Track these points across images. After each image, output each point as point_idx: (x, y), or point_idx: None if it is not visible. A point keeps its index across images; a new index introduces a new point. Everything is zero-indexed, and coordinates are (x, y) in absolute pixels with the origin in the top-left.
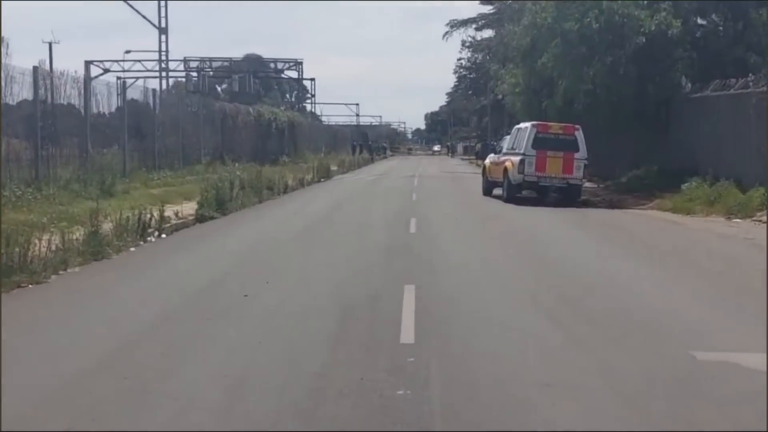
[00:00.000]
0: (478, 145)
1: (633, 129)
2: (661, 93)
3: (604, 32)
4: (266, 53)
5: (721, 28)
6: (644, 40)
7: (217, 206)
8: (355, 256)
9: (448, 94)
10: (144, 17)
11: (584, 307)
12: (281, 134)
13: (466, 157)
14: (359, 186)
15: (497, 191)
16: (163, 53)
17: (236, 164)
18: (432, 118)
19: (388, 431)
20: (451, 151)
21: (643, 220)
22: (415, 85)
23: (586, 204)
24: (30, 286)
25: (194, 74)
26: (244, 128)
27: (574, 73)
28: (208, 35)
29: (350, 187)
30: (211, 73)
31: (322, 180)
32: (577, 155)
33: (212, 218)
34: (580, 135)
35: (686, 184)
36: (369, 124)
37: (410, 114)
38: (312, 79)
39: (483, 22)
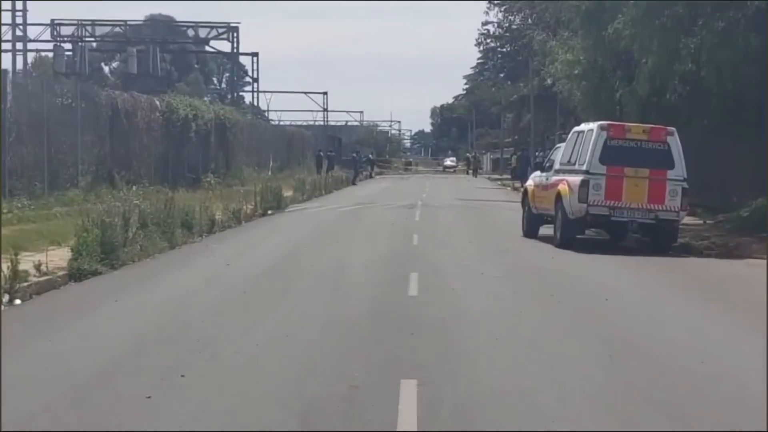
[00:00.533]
0: (514, 158)
1: (758, 134)
2: None
3: None
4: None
5: None
6: None
7: (102, 255)
8: (313, 365)
9: (467, 77)
10: None
11: None
12: (205, 140)
13: (498, 177)
14: (329, 221)
15: (546, 230)
16: (18, 14)
17: (133, 188)
18: (442, 115)
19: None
20: (473, 167)
21: None
22: (414, 63)
23: (686, 250)
24: None
25: (68, 47)
26: (146, 131)
27: (666, 45)
28: None
29: (314, 224)
30: (95, 44)
31: (271, 212)
32: (671, 174)
33: (95, 273)
34: (675, 142)
35: None
36: (344, 123)
37: (407, 109)
38: (254, 54)
39: None
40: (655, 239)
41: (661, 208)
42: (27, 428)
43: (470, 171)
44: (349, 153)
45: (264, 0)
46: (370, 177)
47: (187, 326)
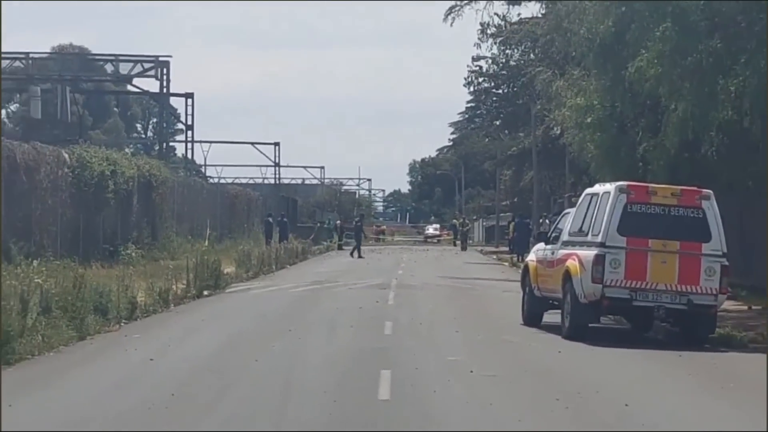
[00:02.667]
0: (512, 226)
1: None
2: None
3: (756, 11)
4: (98, 44)
5: None
6: None
7: None
8: None
9: (454, 125)
10: None
11: None
12: (126, 203)
13: (493, 249)
14: (280, 305)
15: (552, 317)
16: None
17: (34, 262)
18: (423, 172)
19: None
20: (461, 237)
21: None
22: (388, 107)
23: (726, 343)
24: None
25: None
26: (51, 191)
27: (700, 88)
28: None
29: (261, 309)
30: None
31: (207, 293)
32: (707, 248)
33: None
34: (712, 208)
35: None
36: (300, 181)
37: (380, 163)
38: (188, 95)
39: None
40: (688, 329)
41: (695, 291)
42: None
43: (458, 242)
44: (352, 219)
45: (201, 28)
46: (339, 248)
47: None
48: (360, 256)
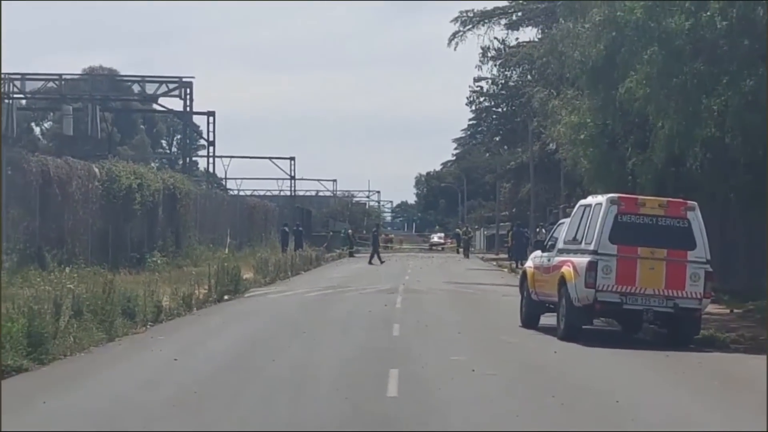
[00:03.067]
0: (511, 234)
1: None
2: None
3: (737, 36)
4: (126, 66)
5: None
6: None
7: (29, 348)
8: None
9: (457, 141)
10: None
11: None
12: (152, 213)
13: (493, 256)
14: (295, 308)
15: (549, 319)
16: None
17: (67, 269)
18: (429, 185)
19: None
20: (464, 245)
21: None
22: (396, 124)
23: (710, 344)
24: None
25: None
26: (82, 203)
27: (685, 107)
28: (19, 31)
29: (278, 312)
30: (24, 102)
31: (228, 297)
32: (692, 255)
33: (20, 370)
34: (697, 218)
35: None
36: (314, 193)
37: (388, 177)
38: (210, 114)
39: (519, 14)
40: (675, 331)
41: (680, 295)
42: None
43: (461, 249)
44: (362, 228)
45: (221, 50)
46: (350, 255)
47: None
48: (381, 261)
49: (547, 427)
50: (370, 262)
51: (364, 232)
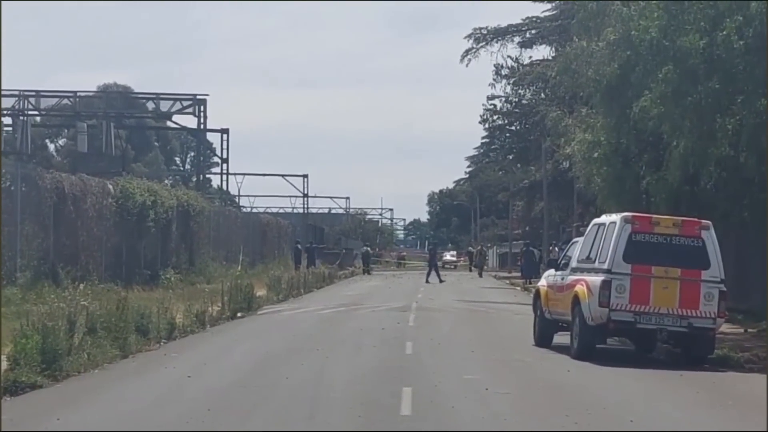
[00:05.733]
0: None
1: None
2: None
3: (754, 54)
4: (140, 83)
5: None
6: None
7: (43, 365)
8: None
9: (470, 159)
10: None
11: None
12: (165, 230)
13: (506, 275)
14: (308, 326)
15: (562, 338)
16: None
17: (81, 286)
18: (441, 203)
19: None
20: (478, 263)
21: None
22: (409, 142)
23: (724, 363)
24: None
25: (7, 121)
26: (97, 219)
27: (700, 126)
28: (34, 49)
29: (290, 329)
30: (39, 119)
31: (241, 315)
32: (706, 275)
33: (35, 386)
34: (711, 238)
35: None
36: (327, 211)
37: (401, 194)
38: (223, 131)
39: (533, 32)
40: (689, 350)
41: (694, 314)
42: None
43: (474, 267)
44: (364, 248)
45: (235, 68)
46: (368, 273)
47: None
48: (441, 280)
49: None
50: (426, 281)
51: (429, 250)
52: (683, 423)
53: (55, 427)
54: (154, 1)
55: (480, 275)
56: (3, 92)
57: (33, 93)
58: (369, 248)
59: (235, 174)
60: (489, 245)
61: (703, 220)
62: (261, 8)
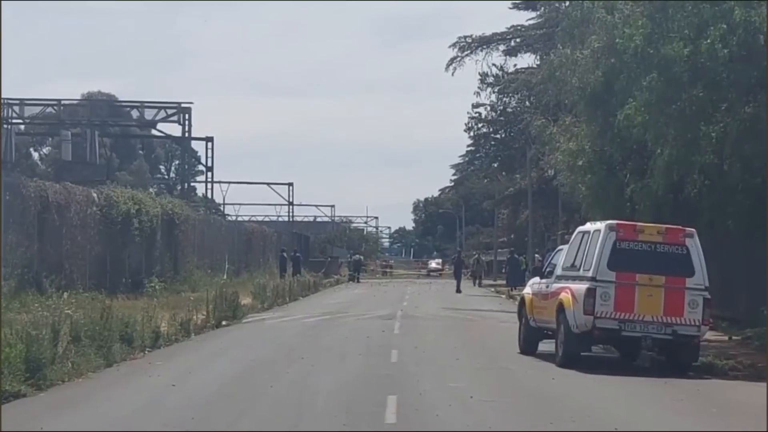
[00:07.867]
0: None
1: None
2: None
3: (738, 62)
4: (124, 92)
5: None
6: None
7: (27, 374)
8: None
9: (455, 167)
10: None
11: None
12: (150, 239)
13: (491, 282)
14: (293, 334)
15: (547, 346)
16: None
17: (65, 294)
18: (426, 211)
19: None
20: (474, 273)
21: None
22: (394, 150)
23: (709, 371)
24: None
25: None
26: (81, 228)
27: (684, 134)
28: (18, 57)
29: (275, 337)
30: (22, 127)
31: (226, 323)
32: (690, 282)
33: (18, 396)
34: (695, 245)
35: None
36: (312, 219)
37: (386, 203)
38: (208, 139)
39: (518, 40)
40: (673, 358)
41: (679, 322)
42: None
43: (475, 282)
44: (355, 258)
45: (220, 76)
46: (357, 281)
47: None
48: (458, 290)
49: None
50: (457, 291)
51: (455, 257)
52: (668, 431)
53: None
54: (138, 9)
55: (479, 284)
56: None
57: (17, 101)
58: (361, 257)
59: (220, 182)
60: (474, 253)
61: (688, 228)
62: (246, 17)
